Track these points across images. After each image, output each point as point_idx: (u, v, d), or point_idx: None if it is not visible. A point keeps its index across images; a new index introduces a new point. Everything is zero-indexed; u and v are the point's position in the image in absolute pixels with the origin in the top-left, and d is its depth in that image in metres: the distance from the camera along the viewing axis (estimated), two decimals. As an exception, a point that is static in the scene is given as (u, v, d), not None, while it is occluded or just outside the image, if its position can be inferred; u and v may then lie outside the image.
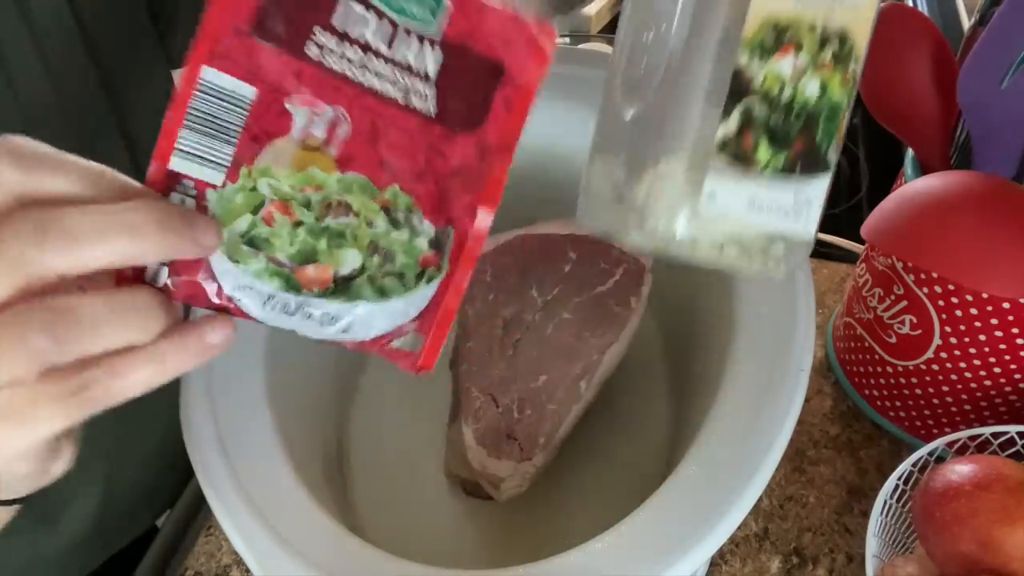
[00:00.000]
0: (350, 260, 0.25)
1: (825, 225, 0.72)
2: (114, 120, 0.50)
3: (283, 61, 0.24)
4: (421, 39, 0.24)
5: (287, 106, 0.24)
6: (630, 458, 0.49)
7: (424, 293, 0.26)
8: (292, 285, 0.25)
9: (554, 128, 0.52)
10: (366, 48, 0.24)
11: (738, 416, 0.36)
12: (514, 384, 0.43)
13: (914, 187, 0.42)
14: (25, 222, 0.22)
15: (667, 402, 0.51)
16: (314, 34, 0.24)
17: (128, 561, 0.57)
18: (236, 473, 0.36)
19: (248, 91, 0.24)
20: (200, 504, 0.59)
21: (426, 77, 0.25)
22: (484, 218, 0.26)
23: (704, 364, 0.44)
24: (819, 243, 0.72)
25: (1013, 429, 0.46)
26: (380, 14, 0.24)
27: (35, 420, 0.23)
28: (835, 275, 0.67)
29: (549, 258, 0.47)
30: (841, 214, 0.76)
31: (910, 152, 0.50)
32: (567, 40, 0.95)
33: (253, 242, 0.25)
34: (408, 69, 0.25)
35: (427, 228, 0.26)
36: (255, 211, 0.25)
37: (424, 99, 0.25)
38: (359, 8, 0.24)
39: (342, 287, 0.25)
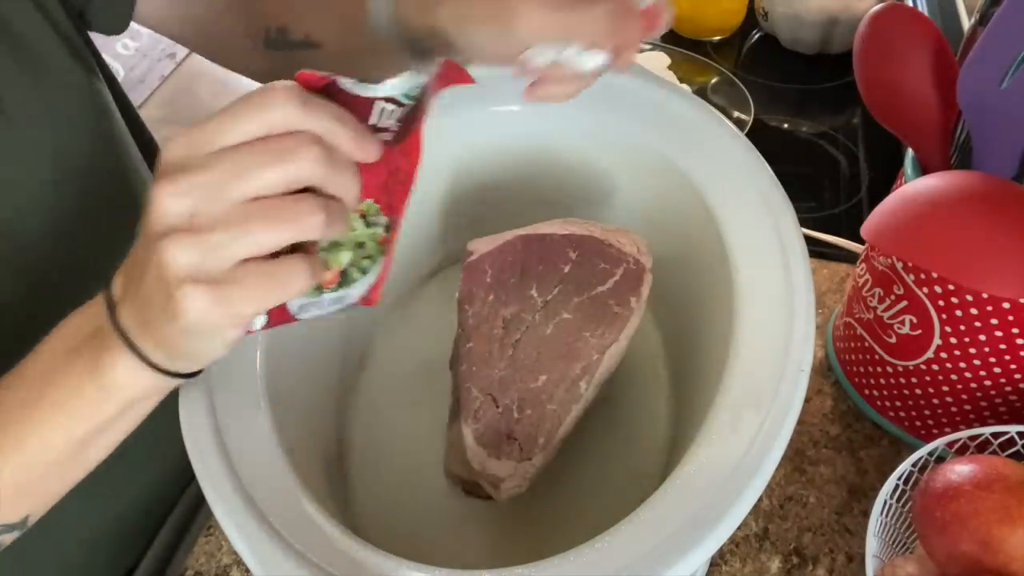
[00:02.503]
0: (344, 259, 0.34)
1: (825, 225, 0.73)
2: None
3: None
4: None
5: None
6: (630, 458, 0.49)
7: (382, 261, 0.35)
8: (318, 289, 0.33)
9: (554, 128, 0.52)
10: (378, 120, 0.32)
11: (738, 416, 0.36)
12: (514, 384, 0.43)
13: (914, 187, 0.42)
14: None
15: (667, 402, 0.51)
16: None
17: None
18: (236, 473, 0.36)
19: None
20: (200, 504, 0.59)
21: (398, 119, 0.32)
22: (406, 199, 0.35)
23: (704, 364, 0.44)
24: (819, 243, 0.72)
25: (1013, 429, 0.46)
26: (399, 103, 0.31)
27: (296, 222, 0.28)
28: (835, 275, 0.67)
29: (549, 258, 0.47)
30: (841, 214, 0.76)
31: (910, 152, 0.50)
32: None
33: None
34: (391, 117, 0.32)
35: (383, 220, 0.34)
36: None
37: (392, 134, 0.32)
38: (389, 106, 0.31)
39: (341, 278, 0.34)
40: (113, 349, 0.32)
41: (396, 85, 0.31)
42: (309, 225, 0.28)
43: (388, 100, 0.31)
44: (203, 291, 0.28)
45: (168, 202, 0.28)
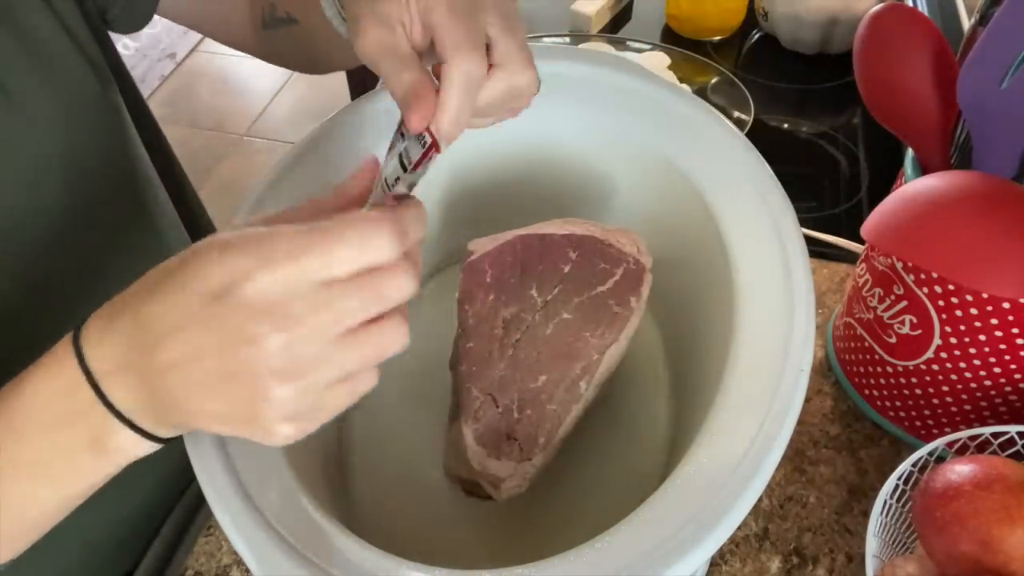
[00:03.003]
0: None
1: (825, 225, 0.73)
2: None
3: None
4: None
5: None
6: (630, 458, 0.49)
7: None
8: None
9: (554, 128, 0.52)
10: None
11: (738, 416, 0.36)
12: (514, 384, 0.43)
13: (914, 187, 0.42)
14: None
15: (667, 402, 0.51)
16: None
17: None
18: (236, 473, 0.36)
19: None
20: (200, 504, 0.59)
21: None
22: None
23: (704, 364, 0.44)
24: (819, 243, 0.72)
25: (1013, 429, 0.46)
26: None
27: (382, 352, 0.30)
28: (835, 275, 0.67)
29: (549, 258, 0.47)
30: (841, 214, 0.76)
31: (910, 152, 0.50)
32: (567, 40, 0.95)
33: None
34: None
35: None
36: None
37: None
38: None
39: None
40: (115, 431, 0.32)
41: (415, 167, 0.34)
42: (392, 349, 0.31)
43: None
44: (296, 426, 0.30)
45: (273, 347, 0.28)
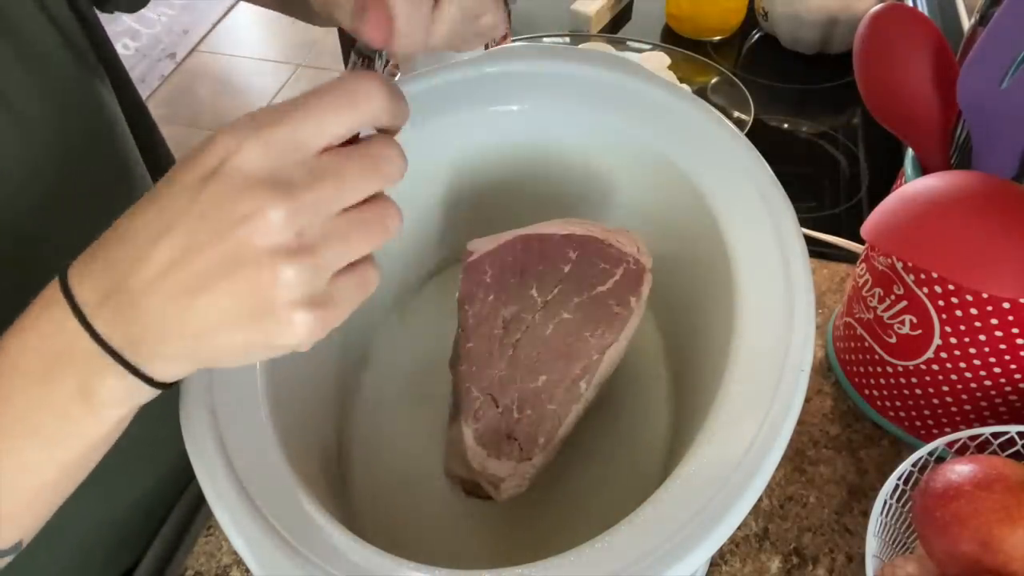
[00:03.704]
0: None
1: (825, 225, 0.73)
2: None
3: None
4: None
5: None
6: (630, 458, 0.49)
7: None
8: None
9: (554, 128, 0.52)
10: None
11: (738, 416, 0.36)
12: (514, 384, 0.43)
13: (914, 187, 0.42)
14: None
15: (667, 402, 0.51)
16: None
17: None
18: (236, 473, 0.36)
19: None
20: (200, 504, 0.59)
21: None
22: None
23: (704, 364, 0.44)
24: (819, 243, 0.72)
25: (1013, 429, 0.46)
26: None
27: (386, 231, 0.29)
28: (835, 275, 0.67)
29: (549, 258, 0.47)
30: (841, 214, 0.76)
31: (910, 152, 0.50)
32: (567, 40, 0.95)
33: None
34: None
35: None
36: None
37: None
38: None
39: None
40: (105, 374, 0.29)
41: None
42: (393, 230, 0.29)
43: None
44: (315, 315, 0.27)
45: (275, 218, 0.26)
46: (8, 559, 0.36)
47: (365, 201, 0.28)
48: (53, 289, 0.30)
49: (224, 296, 0.27)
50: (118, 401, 0.30)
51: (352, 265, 0.29)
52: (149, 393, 0.31)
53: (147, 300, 0.27)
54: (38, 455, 0.31)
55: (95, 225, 0.50)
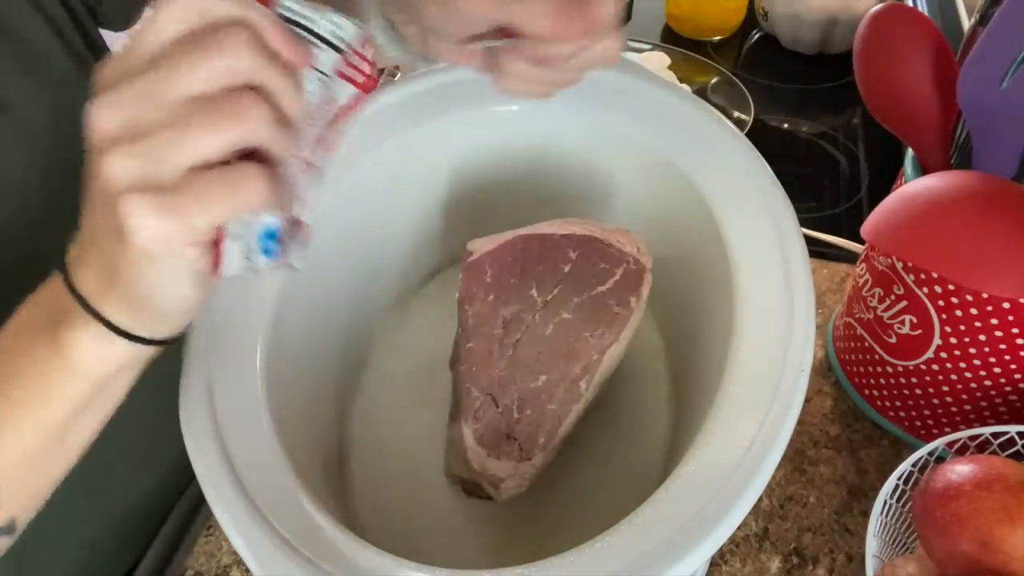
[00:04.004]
0: None
1: (825, 225, 0.73)
2: None
3: None
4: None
5: None
6: (630, 458, 0.49)
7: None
8: None
9: (554, 128, 0.52)
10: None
11: (738, 416, 0.36)
12: (514, 384, 0.43)
13: (914, 187, 0.42)
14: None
15: (667, 402, 0.51)
16: None
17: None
18: (236, 473, 0.36)
19: None
20: (200, 504, 0.59)
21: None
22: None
23: (704, 364, 0.44)
24: (819, 243, 0.72)
25: (1013, 429, 0.46)
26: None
27: (245, 187, 0.26)
28: (835, 275, 0.67)
29: (549, 258, 0.47)
30: (841, 214, 0.76)
31: (910, 152, 0.50)
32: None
33: None
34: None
35: None
36: None
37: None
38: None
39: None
40: (73, 320, 0.30)
41: (335, 25, 0.29)
42: (254, 121, 0.26)
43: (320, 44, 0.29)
44: (149, 200, 0.26)
45: (104, 114, 0.26)
46: (7, 540, 0.35)
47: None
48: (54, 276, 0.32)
49: (95, 226, 0.29)
50: (92, 354, 0.31)
51: (223, 165, 0.27)
52: (126, 348, 0.31)
53: (94, 242, 0.30)
54: (22, 419, 0.32)
55: None
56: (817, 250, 0.71)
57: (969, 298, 0.45)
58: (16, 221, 0.44)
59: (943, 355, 0.48)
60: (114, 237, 0.28)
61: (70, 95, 0.48)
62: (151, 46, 0.26)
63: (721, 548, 0.48)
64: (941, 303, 0.47)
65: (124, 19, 0.54)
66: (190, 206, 0.26)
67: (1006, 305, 0.44)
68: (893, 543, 0.47)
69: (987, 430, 0.46)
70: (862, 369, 0.56)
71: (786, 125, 0.86)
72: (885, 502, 0.44)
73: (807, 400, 0.54)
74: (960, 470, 0.42)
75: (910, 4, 0.82)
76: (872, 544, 0.42)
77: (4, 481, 0.33)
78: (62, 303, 0.30)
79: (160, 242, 0.26)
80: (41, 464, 0.34)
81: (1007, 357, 0.46)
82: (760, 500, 0.51)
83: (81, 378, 0.32)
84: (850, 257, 0.70)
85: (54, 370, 0.31)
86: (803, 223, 0.44)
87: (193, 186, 0.26)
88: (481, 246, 0.48)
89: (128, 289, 0.30)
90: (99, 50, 0.53)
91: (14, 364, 0.32)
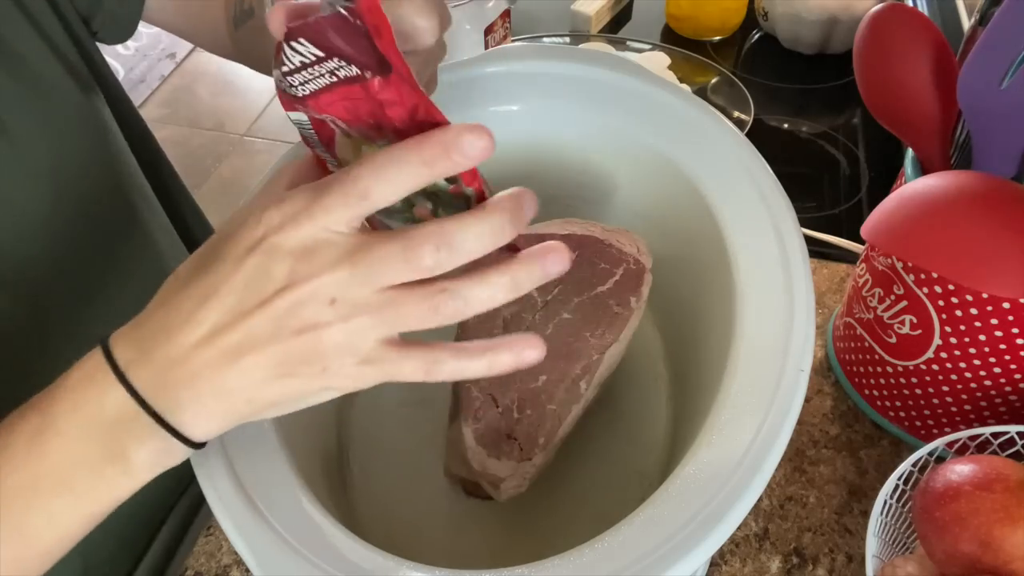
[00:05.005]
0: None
1: (825, 225, 0.73)
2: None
3: (303, 104, 0.31)
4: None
5: (320, 117, 0.31)
6: (630, 458, 0.49)
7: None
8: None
9: (554, 128, 0.52)
10: (302, 67, 0.29)
11: (738, 416, 0.36)
12: (514, 384, 0.43)
13: (914, 187, 0.42)
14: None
15: (667, 402, 0.51)
16: (291, 85, 0.30)
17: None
18: (236, 473, 0.36)
19: (307, 123, 0.32)
20: (200, 504, 0.59)
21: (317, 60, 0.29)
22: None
23: (704, 364, 0.44)
24: (819, 243, 0.72)
25: (1013, 429, 0.46)
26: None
27: (405, 317, 0.27)
28: (835, 275, 0.67)
29: (549, 258, 0.47)
30: (841, 214, 0.76)
31: (910, 152, 0.50)
32: (567, 40, 0.95)
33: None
34: (319, 60, 0.29)
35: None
36: None
37: (343, 68, 0.28)
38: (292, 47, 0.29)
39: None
40: (139, 431, 0.29)
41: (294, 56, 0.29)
42: (444, 312, 0.28)
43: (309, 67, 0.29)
44: (357, 370, 0.29)
45: (316, 286, 0.27)
46: None
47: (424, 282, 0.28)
48: (96, 354, 0.30)
49: (268, 356, 0.28)
50: (154, 461, 0.31)
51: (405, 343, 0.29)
52: (183, 453, 0.31)
53: (192, 361, 0.28)
54: (67, 509, 0.31)
55: (96, 247, 0.50)
56: (817, 250, 0.71)
57: (969, 298, 0.45)
58: (17, 243, 0.44)
59: (943, 355, 0.48)
60: (280, 382, 0.28)
61: (64, 108, 0.48)
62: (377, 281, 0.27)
63: (721, 548, 0.48)
64: (941, 303, 0.47)
65: (117, 33, 0.53)
66: (373, 376, 0.29)
67: (1006, 305, 0.44)
68: (893, 543, 0.47)
69: (987, 430, 0.46)
70: (862, 369, 0.56)
71: (786, 125, 0.86)
72: (885, 502, 0.44)
73: (807, 400, 0.54)
74: (960, 470, 0.42)
75: (910, 4, 0.82)
76: (872, 544, 0.42)
77: (32, 557, 0.33)
78: (122, 408, 0.29)
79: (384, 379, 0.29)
80: (72, 542, 0.34)
81: (1007, 357, 0.46)
82: (760, 500, 0.51)
83: (137, 480, 0.31)
84: (850, 257, 0.70)
85: (110, 473, 0.30)
86: (803, 223, 0.44)
87: (381, 358, 0.29)
88: (481, 246, 0.48)
89: (233, 409, 0.30)
90: (99, 70, 0.53)
91: (64, 457, 0.30)
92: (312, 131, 0.33)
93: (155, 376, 0.29)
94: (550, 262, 0.29)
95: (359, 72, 0.28)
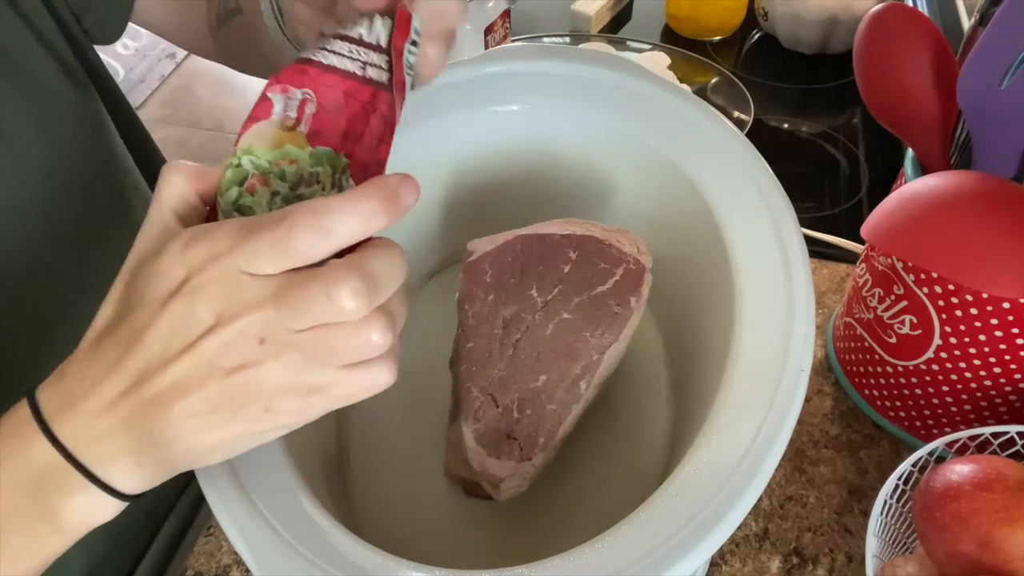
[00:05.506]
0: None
1: (825, 225, 0.73)
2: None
3: (306, 64, 0.29)
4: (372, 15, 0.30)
5: (268, 94, 0.30)
6: (630, 458, 0.49)
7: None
8: None
9: (554, 128, 0.52)
10: (358, 41, 0.29)
11: (738, 416, 0.36)
12: (514, 384, 0.43)
13: (914, 187, 0.42)
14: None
15: (667, 402, 0.51)
16: (323, 48, 0.29)
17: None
18: (236, 473, 0.36)
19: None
20: (200, 504, 0.59)
21: (378, 47, 0.29)
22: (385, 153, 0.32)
23: (704, 364, 0.44)
24: (819, 243, 0.72)
25: (1013, 429, 0.46)
26: (374, 47, 0.29)
27: (338, 353, 0.28)
28: (835, 275, 0.67)
29: (549, 258, 0.47)
30: (841, 214, 0.76)
31: (910, 152, 0.50)
32: (567, 40, 0.95)
33: (241, 210, 0.30)
34: (362, 43, 0.29)
35: (351, 184, 0.31)
36: (240, 183, 0.30)
37: (379, 69, 0.29)
38: (368, 53, 0.29)
39: None
40: (68, 485, 0.28)
41: (371, 30, 0.29)
42: (370, 341, 0.29)
43: (364, 47, 0.29)
44: (302, 402, 0.29)
45: (241, 327, 0.27)
46: None
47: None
48: (22, 406, 0.29)
49: (201, 400, 0.27)
50: (85, 517, 0.29)
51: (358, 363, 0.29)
52: (116, 508, 0.30)
53: (118, 411, 0.27)
54: (2, 566, 0.30)
55: (92, 245, 0.50)
56: (817, 250, 0.71)
57: (969, 298, 0.45)
58: (12, 247, 0.44)
59: (943, 355, 0.48)
60: (217, 428, 0.28)
61: (59, 107, 0.48)
62: (291, 324, 0.27)
63: (721, 548, 0.48)
64: (941, 303, 0.47)
65: (110, 33, 0.53)
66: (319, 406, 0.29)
67: (1006, 305, 0.44)
68: (893, 543, 0.47)
69: (987, 430, 0.46)
70: (862, 369, 0.56)
71: (786, 125, 0.86)
72: (885, 502, 0.44)
73: (807, 400, 0.54)
74: (960, 470, 0.42)
75: (910, 4, 0.82)
76: (872, 544, 0.42)
77: None
78: (49, 461, 0.28)
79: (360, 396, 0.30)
80: None
81: (1007, 357, 0.46)
82: (760, 500, 0.51)
83: (70, 537, 0.30)
84: (850, 257, 0.70)
85: (42, 531, 0.29)
86: (803, 223, 0.44)
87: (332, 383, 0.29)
88: (481, 246, 0.48)
89: (171, 458, 0.29)
90: (94, 69, 0.53)
91: None
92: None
93: (81, 428, 0.28)
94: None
95: (387, 80, 0.28)
